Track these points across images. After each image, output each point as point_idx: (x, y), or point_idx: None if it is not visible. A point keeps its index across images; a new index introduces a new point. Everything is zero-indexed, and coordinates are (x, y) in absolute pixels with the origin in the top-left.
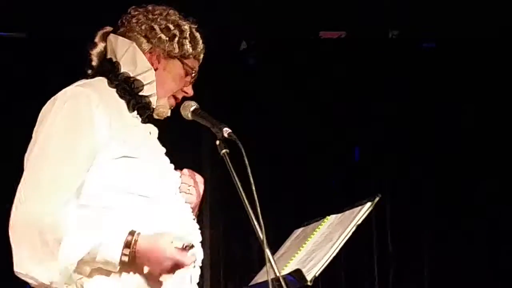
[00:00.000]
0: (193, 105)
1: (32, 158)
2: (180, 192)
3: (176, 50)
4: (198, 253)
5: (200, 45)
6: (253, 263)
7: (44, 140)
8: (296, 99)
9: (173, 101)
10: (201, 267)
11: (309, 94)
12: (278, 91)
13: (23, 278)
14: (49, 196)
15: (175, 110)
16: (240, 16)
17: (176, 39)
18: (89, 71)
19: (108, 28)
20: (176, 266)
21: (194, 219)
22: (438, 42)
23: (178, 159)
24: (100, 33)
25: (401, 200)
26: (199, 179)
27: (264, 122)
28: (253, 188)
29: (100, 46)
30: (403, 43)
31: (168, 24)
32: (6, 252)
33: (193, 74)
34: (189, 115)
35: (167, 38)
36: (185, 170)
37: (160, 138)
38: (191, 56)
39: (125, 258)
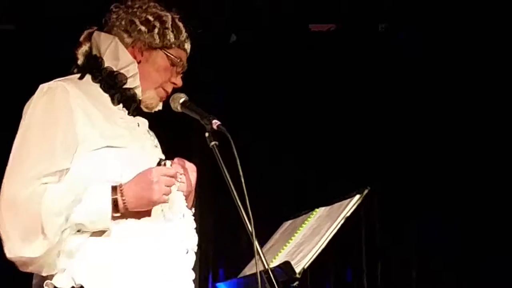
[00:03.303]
0: (182, 97)
1: (13, 150)
2: None
3: (157, 41)
4: (192, 239)
5: (183, 34)
6: (242, 255)
7: (23, 133)
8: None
9: (163, 93)
10: None
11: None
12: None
13: (16, 263)
14: (25, 180)
15: (166, 102)
16: (229, 8)
17: (156, 30)
18: (75, 70)
19: (94, 28)
20: (168, 181)
21: (187, 206)
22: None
23: (169, 150)
24: (85, 32)
25: (389, 192)
26: (191, 167)
27: (254, 114)
28: (242, 180)
29: (85, 46)
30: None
31: (147, 16)
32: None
33: (180, 64)
34: (178, 107)
35: (147, 30)
36: (175, 159)
37: (152, 130)
38: (173, 45)
39: (115, 196)
